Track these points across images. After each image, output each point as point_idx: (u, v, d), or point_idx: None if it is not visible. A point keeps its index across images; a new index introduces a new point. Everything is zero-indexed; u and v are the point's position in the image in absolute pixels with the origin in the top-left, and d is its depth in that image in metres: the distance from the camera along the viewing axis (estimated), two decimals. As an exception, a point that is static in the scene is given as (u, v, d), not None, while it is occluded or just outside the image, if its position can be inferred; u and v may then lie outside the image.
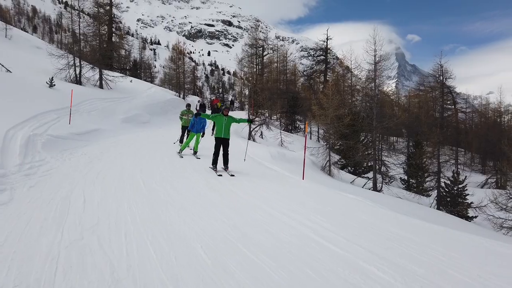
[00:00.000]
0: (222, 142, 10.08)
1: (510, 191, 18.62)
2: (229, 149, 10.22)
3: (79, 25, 26.13)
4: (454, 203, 21.00)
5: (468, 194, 21.11)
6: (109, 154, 11.53)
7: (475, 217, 19.71)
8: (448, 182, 21.80)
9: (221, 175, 9.28)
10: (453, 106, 42.48)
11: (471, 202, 20.38)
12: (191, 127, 13.15)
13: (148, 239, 4.47)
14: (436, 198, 22.10)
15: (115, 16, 35.71)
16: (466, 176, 22.34)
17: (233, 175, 9.36)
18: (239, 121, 10.48)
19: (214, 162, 9.99)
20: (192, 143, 13.99)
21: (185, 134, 14.89)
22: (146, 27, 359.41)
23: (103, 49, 28.61)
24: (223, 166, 10.04)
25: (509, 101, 53.70)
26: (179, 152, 12.90)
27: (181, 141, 15.08)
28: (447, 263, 4.20)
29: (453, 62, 40.56)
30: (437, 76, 40.02)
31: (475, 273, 3.95)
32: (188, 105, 16.38)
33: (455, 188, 21.37)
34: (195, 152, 13.10)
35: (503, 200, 18.00)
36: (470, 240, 5.47)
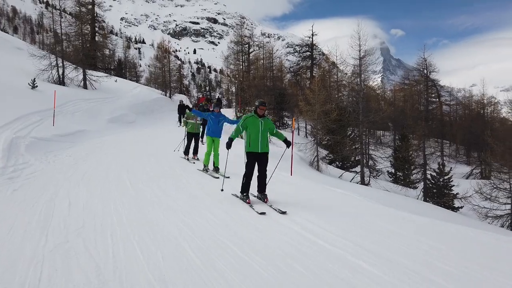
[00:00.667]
0: (259, 159, 6.71)
1: (494, 181, 19.00)
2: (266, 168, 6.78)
3: (60, 25, 25.67)
4: (440, 194, 21.33)
5: (453, 185, 21.46)
6: (95, 155, 11.39)
7: (461, 207, 20.06)
8: (434, 174, 22.12)
9: (264, 213, 5.84)
10: (437, 99, 43.04)
11: (457, 193, 20.73)
12: (208, 130, 10.06)
13: (135, 240, 4.42)
14: (422, 190, 22.42)
15: (98, 15, 35.10)
16: (451, 168, 22.70)
17: (284, 212, 5.86)
18: (276, 132, 7.07)
19: (245, 190, 6.65)
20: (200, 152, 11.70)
21: (192, 141, 11.91)
22: (130, 26, 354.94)
23: (87, 49, 28.15)
24: (258, 194, 6.83)
25: (492, 93, 54.64)
26: (204, 170, 9.69)
27: (186, 152, 11.75)
28: (434, 255, 4.24)
29: (436, 56, 41.05)
30: (421, 69, 40.50)
31: (461, 263, 4.01)
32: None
33: (441, 180, 21.70)
34: (216, 169, 9.68)
35: (487, 190, 18.36)
36: (456, 231, 5.55)
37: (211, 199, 6.71)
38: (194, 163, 11.19)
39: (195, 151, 11.82)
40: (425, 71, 39.31)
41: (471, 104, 52.18)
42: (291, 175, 10.48)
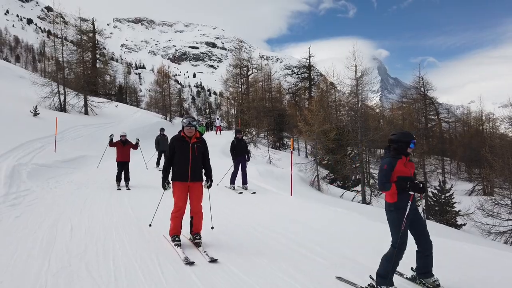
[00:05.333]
0: None
1: (496, 197, 18.95)
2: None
3: (62, 53, 26.25)
4: (442, 211, 21.23)
5: (455, 202, 21.37)
6: (96, 180, 11.47)
7: (464, 224, 19.92)
8: (435, 191, 22.09)
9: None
10: (436, 117, 43.36)
11: (459, 210, 20.63)
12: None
13: (137, 264, 4.48)
14: (424, 207, 22.32)
15: (99, 42, 35.97)
16: (452, 185, 22.67)
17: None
18: None
19: None
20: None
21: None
22: (130, 52, 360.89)
23: (88, 76, 28.67)
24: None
25: (490, 109, 55.00)
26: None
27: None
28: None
29: (426, 75, 41.41)
30: (418, 88, 40.97)
31: (457, 277, 4.06)
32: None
33: (442, 197, 21.65)
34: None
35: (489, 206, 18.29)
36: (455, 247, 5.60)
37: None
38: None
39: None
40: (422, 89, 39.75)
41: (470, 120, 52.47)
42: (291, 195, 10.54)
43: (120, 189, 10.34)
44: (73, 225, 6.25)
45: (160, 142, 15.73)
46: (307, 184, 19.17)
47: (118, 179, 10.69)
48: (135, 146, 11.62)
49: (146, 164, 15.02)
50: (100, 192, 9.61)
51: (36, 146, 14.26)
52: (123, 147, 11.12)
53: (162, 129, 16.53)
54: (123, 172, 10.79)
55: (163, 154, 15.14)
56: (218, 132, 36.98)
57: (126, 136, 11.46)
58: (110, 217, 6.92)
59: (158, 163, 15.69)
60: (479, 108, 47.87)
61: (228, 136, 29.35)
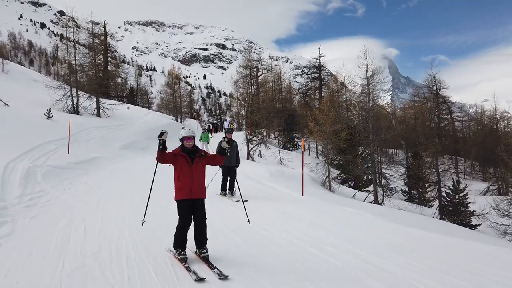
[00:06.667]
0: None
1: (511, 197, 18.60)
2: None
3: (75, 56, 26.59)
4: (456, 212, 20.91)
5: (470, 202, 21.02)
6: (108, 182, 11.59)
7: (479, 225, 19.59)
8: (449, 191, 21.76)
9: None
10: (449, 116, 42.78)
11: (474, 210, 20.29)
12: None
13: (149, 264, 4.50)
14: (438, 208, 22.01)
15: (110, 45, 36.36)
16: (466, 185, 22.30)
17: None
18: None
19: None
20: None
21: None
22: (141, 54, 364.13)
23: (100, 78, 29.00)
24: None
25: (505, 108, 54.06)
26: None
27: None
28: (446, 271, 4.23)
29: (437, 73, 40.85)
30: (431, 87, 40.47)
31: (474, 278, 3.99)
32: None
33: (456, 197, 21.31)
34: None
35: (505, 206, 17.96)
36: (470, 246, 5.51)
37: (221, 218, 6.75)
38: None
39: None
40: (435, 88, 39.27)
41: (484, 119, 51.61)
42: (303, 195, 10.50)
43: None
44: (87, 225, 6.32)
45: None
46: (318, 184, 19.08)
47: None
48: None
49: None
50: (112, 193, 9.70)
51: (50, 148, 14.47)
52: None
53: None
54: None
55: None
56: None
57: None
58: (122, 218, 6.98)
59: None
60: (493, 107, 47.05)
61: (238, 138, 29.33)
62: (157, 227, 6.29)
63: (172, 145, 4.91)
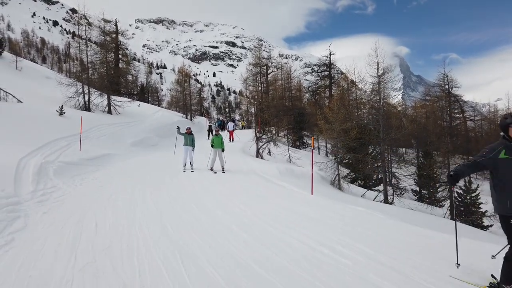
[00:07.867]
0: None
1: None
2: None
3: (86, 54, 26.84)
4: (468, 212, 20.66)
5: (481, 203, 20.75)
6: (119, 178, 11.68)
7: (491, 225, 19.35)
8: (461, 191, 21.50)
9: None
10: (461, 115, 42.20)
11: (486, 211, 20.03)
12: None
13: (160, 260, 4.53)
14: (449, 208, 21.77)
15: (121, 43, 36.63)
16: (478, 185, 22.01)
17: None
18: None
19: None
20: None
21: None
22: (152, 52, 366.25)
23: (111, 76, 29.23)
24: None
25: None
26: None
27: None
28: (456, 271, 4.18)
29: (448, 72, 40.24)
30: (443, 85, 39.95)
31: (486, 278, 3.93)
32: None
33: (468, 197, 21.06)
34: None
35: (518, 207, 17.64)
36: (480, 247, 5.43)
37: (228, 215, 6.77)
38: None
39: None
40: (446, 86, 38.74)
41: (497, 119, 50.80)
42: (312, 194, 10.46)
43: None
44: (98, 221, 6.38)
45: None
46: (328, 183, 19.00)
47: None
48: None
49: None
50: (123, 189, 9.78)
51: (62, 144, 14.65)
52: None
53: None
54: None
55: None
56: (231, 139, 28.19)
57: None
58: (133, 214, 7.03)
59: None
60: (507, 106, 46.36)
61: (248, 136, 29.26)
62: (167, 222, 6.32)
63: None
